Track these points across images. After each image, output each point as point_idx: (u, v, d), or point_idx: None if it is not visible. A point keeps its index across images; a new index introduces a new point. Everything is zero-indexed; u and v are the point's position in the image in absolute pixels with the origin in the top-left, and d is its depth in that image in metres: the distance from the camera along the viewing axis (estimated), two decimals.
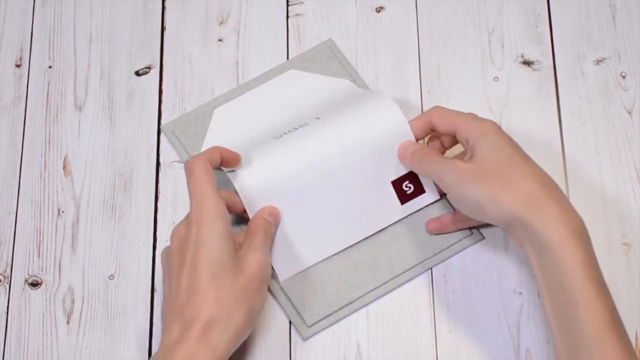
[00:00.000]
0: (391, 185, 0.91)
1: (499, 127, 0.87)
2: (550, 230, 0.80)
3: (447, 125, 0.89)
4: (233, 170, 0.90)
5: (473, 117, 0.89)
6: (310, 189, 0.90)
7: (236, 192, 0.89)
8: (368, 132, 0.91)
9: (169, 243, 0.93)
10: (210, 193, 0.85)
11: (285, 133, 0.92)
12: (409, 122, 0.91)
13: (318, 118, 0.93)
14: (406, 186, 0.92)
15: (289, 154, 0.90)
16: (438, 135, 0.92)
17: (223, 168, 0.89)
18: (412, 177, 0.92)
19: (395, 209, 0.92)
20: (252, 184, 0.89)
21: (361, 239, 0.91)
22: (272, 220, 0.89)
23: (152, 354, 0.87)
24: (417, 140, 0.91)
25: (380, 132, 0.91)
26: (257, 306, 0.84)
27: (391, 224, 0.92)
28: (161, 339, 0.83)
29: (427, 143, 0.93)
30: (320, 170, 0.90)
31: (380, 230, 0.92)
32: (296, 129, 0.92)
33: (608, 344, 0.77)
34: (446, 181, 0.86)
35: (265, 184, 0.89)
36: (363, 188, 0.91)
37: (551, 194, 0.82)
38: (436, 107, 0.91)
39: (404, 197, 0.92)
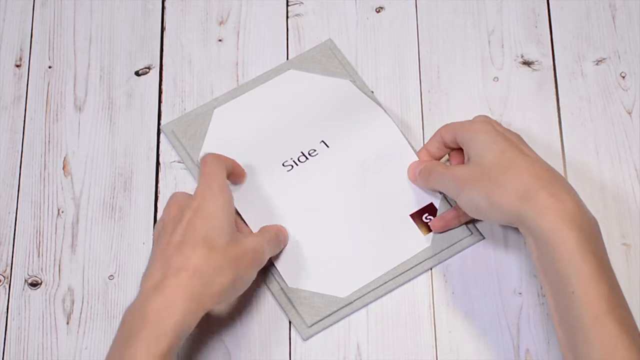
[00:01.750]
0: (410, 219, 0.92)
1: (488, 124, 0.87)
2: (541, 221, 0.80)
3: (452, 136, 0.90)
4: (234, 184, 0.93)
5: (469, 120, 0.89)
6: (327, 225, 0.92)
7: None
8: (380, 167, 0.94)
9: None
10: (220, 176, 0.86)
11: (295, 162, 0.94)
12: (424, 145, 0.93)
13: (323, 142, 0.95)
14: (426, 218, 0.92)
15: (303, 194, 0.93)
16: (455, 148, 0.93)
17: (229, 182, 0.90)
18: (428, 208, 0.92)
19: (419, 240, 0.92)
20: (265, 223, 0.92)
21: (386, 271, 0.91)
22: (283, 238, 0.91)
23: None
24: (437, 159, 0.93)
25: (392, 169, 0.94)
26: (244, 278, 0.85)
27: (415, 255, 0.92)
28: (140, 286, 0.82)
29: (450, 161, 0.93)
30: (334, 206, 0.93)
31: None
32: (306, 157, 0.94)
33: (605, 331, 0.76)
34: (449, 191, 0.88)
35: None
36: (382, 222, 0.92)
37: (542, 183, 0.81)
38: (446, 124, 0.91)
39: (425, 229, 0.92)
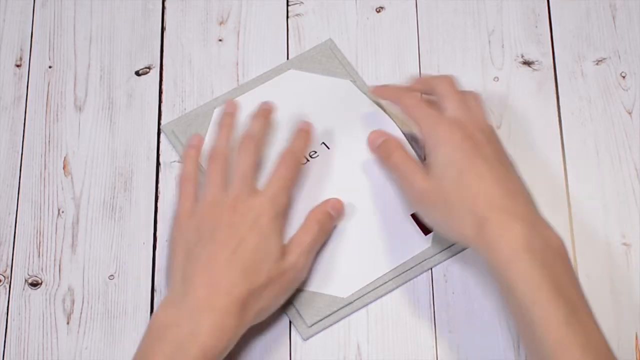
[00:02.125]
0: (411, 219, 0.92)
1: (452, 134, 0.86)
2: (493, 254, 0.80)
3: (425, 89, 0.92)
4: None
5: (435, 115, 0.88)
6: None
7: None
8: (381, 168, 0.93)
9: (168, 243, 0.93)
10: (292, 185, 0.90)
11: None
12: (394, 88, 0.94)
13: (324, 143, 0.95)
14: None
15: (304, 195, 0.93)
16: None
17: None
18: None
19: (419, 240, 0.92)
20: None
21: (386, 271, 0.91)
22: (335, 214, 0.90)
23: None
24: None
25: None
26: (282, 300, 0.87)
27: (416, 254, 0.92)
28: (172, 286, 0.84)
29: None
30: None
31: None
32: (307, 159, 0.94)
33: (569, 357, 0.75)
34: (406, 197, 0.90)
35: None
36: (383, 222, 0.92)
37: (493, 214, 0.81)
38: (420, 79, 0.93)
39: (425, 229, 0.92)
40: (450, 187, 0.83)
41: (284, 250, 0.86)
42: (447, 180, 0.84)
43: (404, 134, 0.95)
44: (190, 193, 0.90)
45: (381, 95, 0.95)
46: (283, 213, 0.88)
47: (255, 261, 0.84)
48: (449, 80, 0.91)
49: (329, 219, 0.90)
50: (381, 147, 0.91)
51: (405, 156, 0.89)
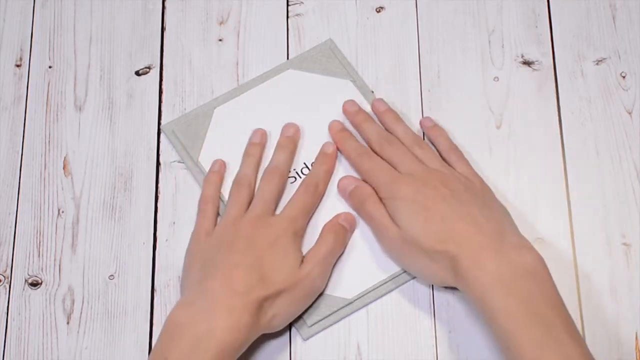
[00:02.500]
0: None
1: (408, 187, 0.88)
2: (469, 291, 0.82)
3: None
4: None
5: (389, 174, 0.89)
6: None
7: None
8: None
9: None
10: (313, 206, 0.92)
11: (298, 174, 0.94)
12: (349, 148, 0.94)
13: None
14: None
15: None
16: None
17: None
18: None
19: None
20: None
21: (391, 273, 0.91)
22: (347, 226, 0.91)
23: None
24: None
25: None
26: (298, 311, 0.88)
27: None
28: (199, 294, 0.84)
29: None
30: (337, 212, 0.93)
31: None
32: (309, 170, 0.94)
33: None
34: (381, 246, 0.90)
35: None
36: None
37: (463, 250, 0.83)
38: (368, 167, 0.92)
39: None
40: (420, 235, 0.85)
41: (301, 262, 0.87)
42: (415, 229, 0.86)
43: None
44: (210, 214, 0.91)
45: (337, 144, 0.95)
46: (301, 235, 0.90)
47: (273, 270, 0.85)
48: (395, 139, 0.93)
49: (343, 230, 0.91)
50: (352, 194, 0.92)
51: (377, 204, 0.89)
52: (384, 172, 0.90)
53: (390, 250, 0.89)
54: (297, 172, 0.94)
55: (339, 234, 0.90)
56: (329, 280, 0.90)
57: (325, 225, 0.91)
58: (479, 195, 0.88)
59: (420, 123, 0.96)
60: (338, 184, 0.93)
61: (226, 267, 0.85)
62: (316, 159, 0.94)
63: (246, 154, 0.94)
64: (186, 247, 0.91)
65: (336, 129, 0.95)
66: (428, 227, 0.85)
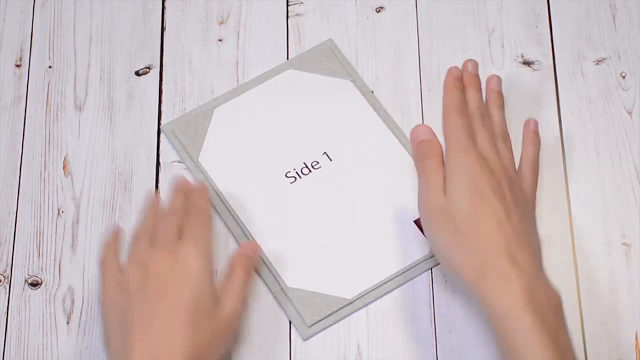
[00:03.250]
0: (414, 225, 0.92)
1: (476, 166, 0.84)
2: (492, 302, 0.79)
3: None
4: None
5: (465, 142, 0.86)
6: (330, 230, 0.92)
7: None
8: (385, 179, 0.94)
9: None
10: (209, 232, 0.88)
11: (298, 174, 0.94)
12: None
13: (326, 154, 0.95)
14: None
15: (307, 206, 0.93)
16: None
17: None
18: None
19: (422, 246, 0.91)
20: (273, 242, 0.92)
21: (389, 274, 0.90)
22: (254, 256, 0.89)
23: None
24: None
25: (397, 181, 0.94)
26: (222, 351, 0.85)
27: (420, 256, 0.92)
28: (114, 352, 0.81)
29: None
30: (338, 215, 0.93)
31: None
32: (309, 170, 0.94)
33: None
34: (419, 207, 0.86)
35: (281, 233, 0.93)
36: (385, 229, 0.92)
37: (497, 260, 0.80)
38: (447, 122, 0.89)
39: None
40: (463, 217, 0.82)
41: (216, 297, 0.84)
42: (462, 209, 0.83)
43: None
44: (113, 266, 0.87)
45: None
46: (209, 256, 0.86)
47: (195, 317, 0.81)
48: (488, 119, 0.90)
49: (251, 262, 0.89)
50: (421, 144, 0.88)
51: (438, 166, 0.86)
52: (464, 137, 0.86)
53: (425, 215, 0.85)
54: (297, 172, 0.94)
55: (249, 268, 0.88)
56: (329, 280, 0.90)
57: (232, 258, 0.88)
58: (529, 218, 0.86)
59: (525, 124, 0.93)
60: (413, 128, 0.89)
61: (143, 321, 0.80)
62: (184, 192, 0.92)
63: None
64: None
65: (453, 76, 0.91)
66: (475, 215, 0.82)
